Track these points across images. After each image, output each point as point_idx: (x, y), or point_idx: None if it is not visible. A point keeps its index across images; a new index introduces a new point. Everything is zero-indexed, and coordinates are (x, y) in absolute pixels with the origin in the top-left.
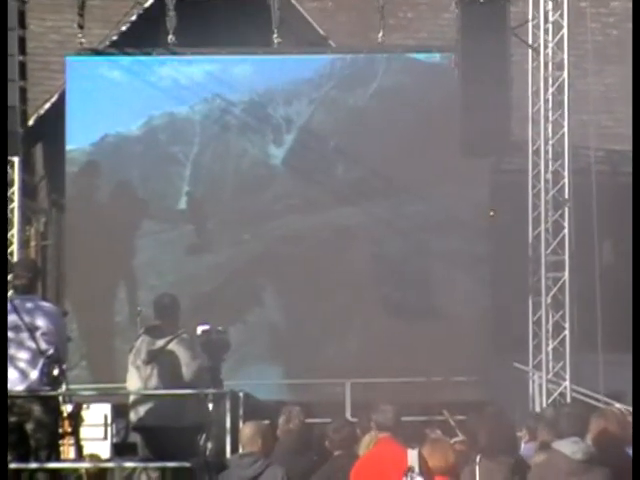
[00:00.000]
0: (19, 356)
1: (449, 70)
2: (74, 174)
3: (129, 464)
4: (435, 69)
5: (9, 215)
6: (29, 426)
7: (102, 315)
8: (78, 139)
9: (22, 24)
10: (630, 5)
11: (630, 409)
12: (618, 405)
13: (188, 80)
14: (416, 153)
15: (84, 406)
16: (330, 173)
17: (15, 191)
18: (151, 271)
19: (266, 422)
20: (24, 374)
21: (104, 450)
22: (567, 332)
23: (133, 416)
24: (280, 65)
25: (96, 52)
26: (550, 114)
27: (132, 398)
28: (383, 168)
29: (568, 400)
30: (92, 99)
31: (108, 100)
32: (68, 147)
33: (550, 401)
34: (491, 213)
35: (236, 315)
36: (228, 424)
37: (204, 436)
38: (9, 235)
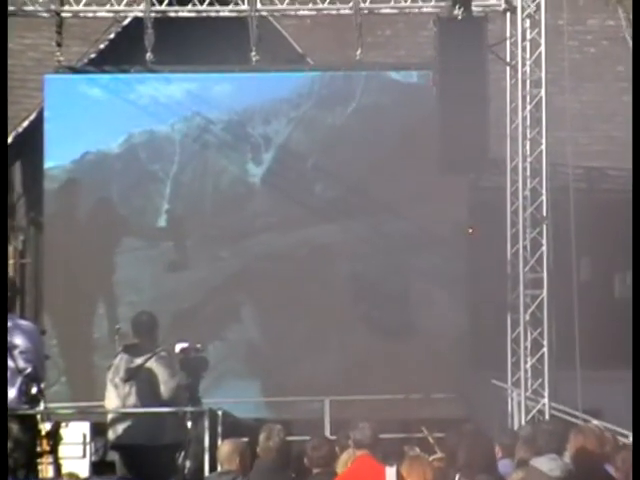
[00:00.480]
0: None
1: (427, 90)
2: (54, 191)
3: None
4: (413, 89)
5: None
6: (7, 445)
7: (81, 331)
8: (58, 156)
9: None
10: (607, 24)
11: (608, 425)
12: (596, 422)
13: (168, 98)
14: (394, 172)
15: (62, 424)
16: (308, 191)
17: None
18: (130, 287)
19: (244, 440)
20: None
21: (83, 469)
22: (545, 349)
23: (111, 434)
24: (259, 84)
25: (74, 70)
26: (528, 131)
27: (110, 416)
28: (361, 186)
29: (547, 417)
30: (72, 116)
31: (88, 118)
32: (48, 164)
33: (529, 418)
34: (469, 230)
35: (215, 332)
36: (207, 442)
37: (182, 454)
38: None
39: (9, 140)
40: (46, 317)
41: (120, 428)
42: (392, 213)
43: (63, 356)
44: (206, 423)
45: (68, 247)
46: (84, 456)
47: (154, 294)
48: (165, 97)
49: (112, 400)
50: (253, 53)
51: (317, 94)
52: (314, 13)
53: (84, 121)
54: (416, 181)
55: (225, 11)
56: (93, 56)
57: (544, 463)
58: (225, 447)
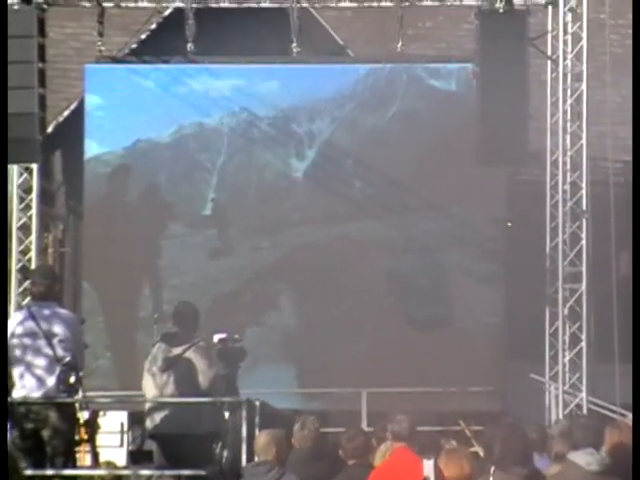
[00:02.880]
0: (36, 363)
1: (465, 98)
2: (106, 175)
3: (145, 472)
4: (451, 96)
5: (27, 222)
6: (45, 433)
7: (127, 310)
8: (111, 143)
9: (42, 31)
10: None
11: None
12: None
13: (217, 93)
14: (433, 171)
15: (100, 413)
16: (348, 188)
17: (33, 198)
18: (174, 271)
19: (281, 431)
20: (41, 381)
21: (120, 457)
22: (584, 343)
23: (149, 423)
24: (304, 83)
25: (115, 60)
26: (568, 125)
27: (148, 406)
28: (400, 185)
29: (584, 411)
30: (124, 106)
31: (140, 108)
32: (102, 150)
33: (566, 412)
34: (509, 224)
35: (253, 317)
36: (244, 432)
37: (220, 444)
38: (27, 242)
39: (50, 129)
40: (93, 293)
41: (158, 417)
42: (430, 209)
43: (109, 332)
44: (244, 413)
45: (118, 229)
46: (121, 445)
47: (196, 279)
48: (214, 91)
49: (150, 389)
50: (294, 44)
51: (360, 96)
52: (355, 5)
53: (137, 111)
54: (454, 177)
55: (266, 2)
56: (134, 46)
57: (581, 457)
58: (262, 438)
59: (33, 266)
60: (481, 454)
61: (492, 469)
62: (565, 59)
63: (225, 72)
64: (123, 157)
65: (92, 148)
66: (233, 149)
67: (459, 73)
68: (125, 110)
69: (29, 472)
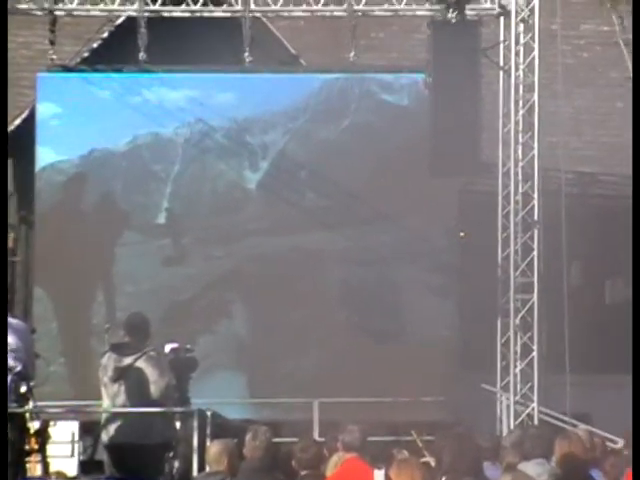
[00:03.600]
0: None
1: (417, 113)
2: (62, 183)
3: None
4: (404, 111)
5: None
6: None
7: (81, 316)
8: (67, 151)
9: None
10: (600, 29)
11: (595, 431)
12: (584, 427)
13: (172, 104)
14: (385, 183)
15: (51, 423)
16: (301, 199)
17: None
18: (128, 278)
19: (233, 441)
20: None
21: (71, 468)
22: (535, 354)
23: (104, 435)
24: (259, 95)
25: (67, 69)
26: (520, 136)
27: (104, 416)
28: (352, 197)
29: (535, 421)
30: (79, 115)
31: (96, 117)
32: (58, 157)
33: (518, 422)
34: (461, 234)
35: (205, 325)
36: (195, 443)
37: (171, 454)
38: None
39: None
40: (47, 300)
41: (109, 428)
42: (383, 221)
43: (62, 339)
44: (195, 423)
45: (72, 236)
46: (72, 455)
47: (150, 286)
48: (169, 102)
49: (102, 399)
50: (246, 54)
51: (313, 108)
52: (308, 14)
53: (92, 120)
54: (407, 189)
55: (219, 11)
56: (86, 55)
57: (531, 468)
58: (214, 448)
59: None
60: (432, 464)
61: (443, 479)
62: (517, 70)
63: (180, 83)
64: (79, 165)
65: (47, 156)
66: (187, 159)
67: (411, 88)
68: (80, 119)
69: None
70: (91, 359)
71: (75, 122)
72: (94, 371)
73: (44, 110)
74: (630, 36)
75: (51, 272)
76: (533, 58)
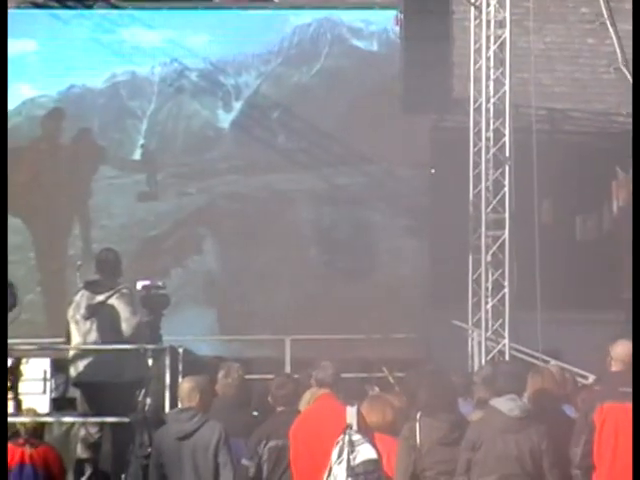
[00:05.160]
0: None
1: (386, 58)
2: (40, 117)
3: (68, 419)
4: (374, 56)
5: None
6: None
7: (57, 247)
8: (45, 86)
9: None
10: None
11: (567, 366)
12: (556, 363)
13: (149, 43)
14: (356, 124)
15: (23, 360)
16: (273, 140)
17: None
18: (104, 212)
19: (205, 377)
20: None
21: (43, 405)
22: (507, 290)
23: (73, 371)
24: (234, 37)
25: (37, 5)
26: (492, 72)
27: (72, 353)
28: (324, 138)
29: (507, 358)
30: (56, 51)
31: (72, 54)
32: (37, 92)
33: (489, 358)
34: (432, 170)
35: (177, 260)
36: (167, 380)
37: (143, 391)
38: None
39: None
40: (25, 231)
41: (81, 365)
42: (354, 160)
43: (40, 268)
44: (167, 361)
45: (50, 169)
46: (44, 392)
47: (124, 221)
48: (145, 42)
49: (73, 337)
50: None
51: (285, 53)
52: None
53: (69, 56)
54: (377, 129)
55: None
56: None
57: (503, 403)
58: (185, 384)
59: None
60: (404, 400)
61: (418, 415)
62: (488, 5)
63: (155, 22)
64: (57, 101)
65: (26, 91)
66: (163, 98)
67: (381, 34)
68: (57, 55)
69: None
70: (66, 290)
71: (52, 58)
72: (69, 301)
73: (18, 46)
74: None
75: (28, 203)
76: None
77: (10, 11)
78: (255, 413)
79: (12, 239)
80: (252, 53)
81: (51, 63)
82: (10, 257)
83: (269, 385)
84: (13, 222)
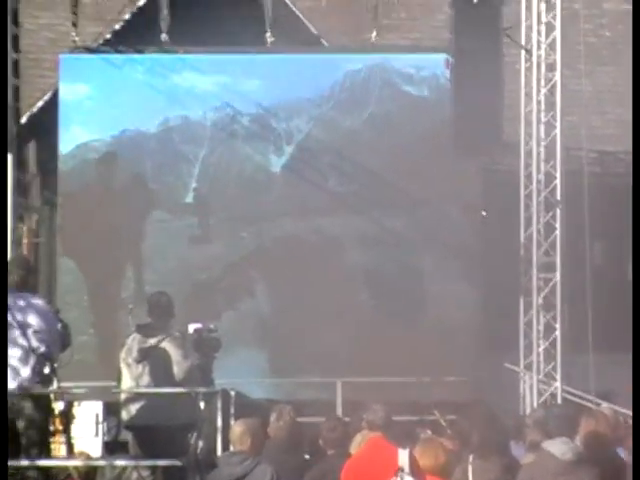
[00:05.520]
0: (11, 354)
1: (436, 103)
2: (94, 161)
3: (120, 462)
4: (424, 102)
5: None
6: (20, 424)
7: (110, 290)
8: (99, 130)
9: (15, 22)
10: (622, 7)
11: (620, 409)
12: (608, 405)
13: (201, 89)
14: (407, 168)
15: (75, 403)
16: (323, 184)
17: (8, 189)
18: (156, 255)
19: (257, 420)
20: (15, 372)
21: (95, 448)
22: (558, 333)
23: (125, 414)
24: (285, 82)
25: (90, 50)
26: (542, 115)
27: (124, 397)
28: (375, 181)
29: (559, 401)
30: (108, 96)
31: (126, 98)
32: (91, 136)
33: (541, 401)
34: (483, 214)
35: (228, 303)
36: (219, 422)
37: (195, 434)
38: None
39: (23, 120)
40: (77, 272)
41: (133, 408)
42: (404, 204)
43: (93, 310)
44: (219, 404)
45: (104, 211)
46: (97, 435)
47: (177, 264)
48: (198, 87)
49: (125, 380)
50: (268, 34)
51: (337, 97)
52: None
53: (122, 101)
54: (428, 173)
55: None
56: (108, 36)
57: (555, 446)
58: (237, 427)
59: (8, 257)
60: (456, 444)
61: (470, 458)
62: (539, 49)
63: (207, 67)
64: (111, 145)
65: (80, 135)
66: (215, 143)
67: (431, 80)
68: (111, 100)
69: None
70: (118, 332)
71: (106, 103)
72: (122, 343)
73: (70, 91)
74: None
75: (82, 245)
76: (555, 37)
77: (63, 56)
78: (306, 456)
79: (65, 280)
80: (303, 97)
81: (105, 107)
82: (64, 298)
83: (320, 428)
84: (67, 264)
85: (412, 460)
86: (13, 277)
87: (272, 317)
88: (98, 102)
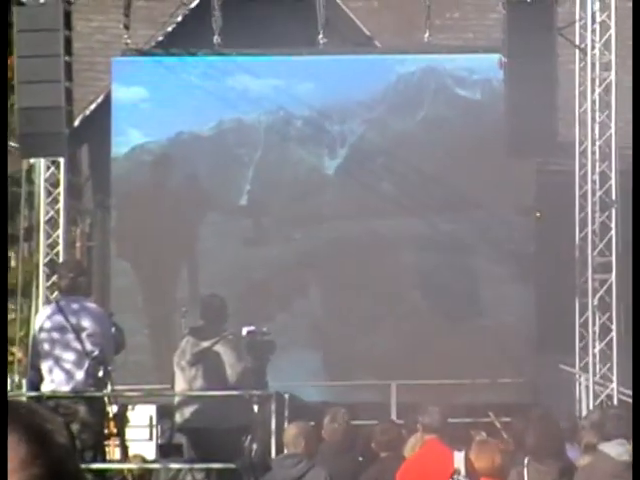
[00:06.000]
0: (65, 357)
1: (489, 107)
2: (149, 163)
3: (174, 465)
4: (477, 105)
5: (54, 216)
6: (75, 427)
7: (165, 291)
8: (154, 133)
9: (68, 25)
10: None
11: None
12: None
13: (256, 92)
14: (461, 170)
15: (129, 407)
16: (377, 186)
17: (61, 192)
18: (210, 257)
19: (310, 423)
20: (70, 375)
21: (149, 451)
22: (614, 334)
23: (179, 417)
24: (337, 85)
25: (142, 53)
26: (597, 115)
27: (177, 399)
28: (428, 183)
29: (615, 402)
30: (163, 99)
31: (180, 101)
32: (147, 139)
33: (597, 403)
34: (537, 214)
35: (282, 305)
36: (273, 425)
37: (249, 437)
38: (54, 236)
39: (76, 123)
40: (132, 273)
41: (187, 411)
42: (459, 205)
43: (147, 312)
44: (272, 406)
45: (159, 213)
46: (151, 438)
47: (231, 265)
48: (253, 90)
49: (179, 383)
50: (320, 35)
51: (390, 100)
52: None
53: (177, 104)
54: (482, 174)
55: None
56: (161, 39)
57: (612, 448)
58: (291, 430)
59: (61, 260)
60: (511, 445)
61: (526, 460)
62: (593, 48)
63: (262, 70)
64: (166, 147)
65: (135, 137)
66: (269, 145)
67: (484, 83)
68: (166, 102)
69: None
70: (172, 334)
71: (161, 105)
72: (176, 344)
73: (125, 94)
74: None
75: (136, 247)
76: (609, 36)
77: (116, 59)
78: (360, 459)
79: (119, 283)
80: (357, 100)
81: (159, 110)
82: (117, 301)
83: (373, 431)
84: (122, 266)
85: (468, 462)
86: (66, 281)
87: (326, 319)
88: (152, 104)
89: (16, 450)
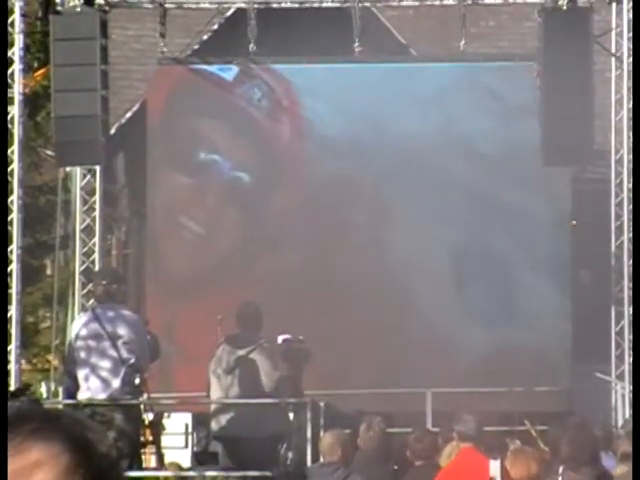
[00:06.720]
0: (101, 365)
1: (525, 114)
2: None
3: (210, 473)
4: (513, 113)
5: (90, 224)
6: (111, 434)
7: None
8: None
9: (104, 33)
10: None
11: None
12: None
13: None
14: (496, 181)
15: (165, 415)
16: (412, 197)
17: (97, 200)
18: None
19: (346, 431)
20: (106, 383)
21: (185, 459)
22: None
23: (214, 425)
24: (374, 94)
25: (178, 61)
26: (633, 123)
27: (213, 407)
28: (465, 194)
29: None
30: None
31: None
32: None
33: (633, 412)
34: (573, 222)
35: (318, 313)
36: (309, 433)
37: (285, 445)
38: (90, 244)
39: (112, 131)
40: (170, 287)
41: (223, 419)
42: (495, 214)
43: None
44: (308, 414)
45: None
46: (186, 446)
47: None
48: None
49: (214, 391)
50: (356, 44)
51: (425, 109)
52: (417, 3)
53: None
54: (519, 182)
55: (328, 2)
56: (196, 47)
57: None
58: (327, 438)
59: (97, 268)
60: (547, 454)
61: (561, 469)
62: (629, 56)
63: (297, 77)
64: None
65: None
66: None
67: (520, 92)
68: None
69: None
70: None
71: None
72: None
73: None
74: None
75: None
76: None
77: (152, 67)
78: (395, 467)
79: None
80: (392, 109)
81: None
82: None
83: (407, 439)
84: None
85: (503, 471)
86: (102, 288)
87: (360, 327)
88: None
89: (57, 460)
